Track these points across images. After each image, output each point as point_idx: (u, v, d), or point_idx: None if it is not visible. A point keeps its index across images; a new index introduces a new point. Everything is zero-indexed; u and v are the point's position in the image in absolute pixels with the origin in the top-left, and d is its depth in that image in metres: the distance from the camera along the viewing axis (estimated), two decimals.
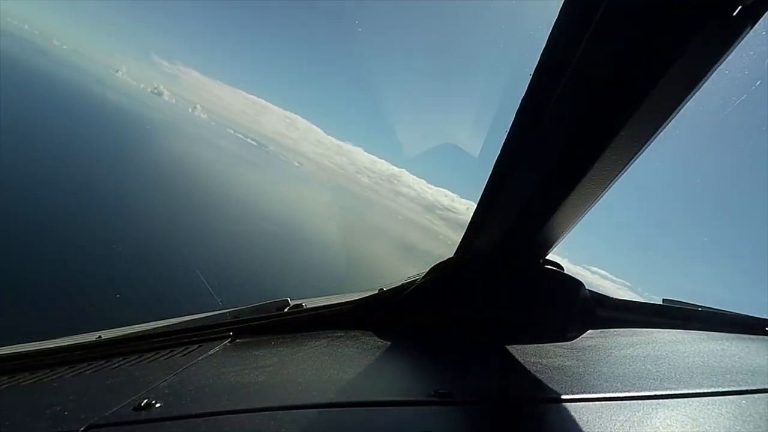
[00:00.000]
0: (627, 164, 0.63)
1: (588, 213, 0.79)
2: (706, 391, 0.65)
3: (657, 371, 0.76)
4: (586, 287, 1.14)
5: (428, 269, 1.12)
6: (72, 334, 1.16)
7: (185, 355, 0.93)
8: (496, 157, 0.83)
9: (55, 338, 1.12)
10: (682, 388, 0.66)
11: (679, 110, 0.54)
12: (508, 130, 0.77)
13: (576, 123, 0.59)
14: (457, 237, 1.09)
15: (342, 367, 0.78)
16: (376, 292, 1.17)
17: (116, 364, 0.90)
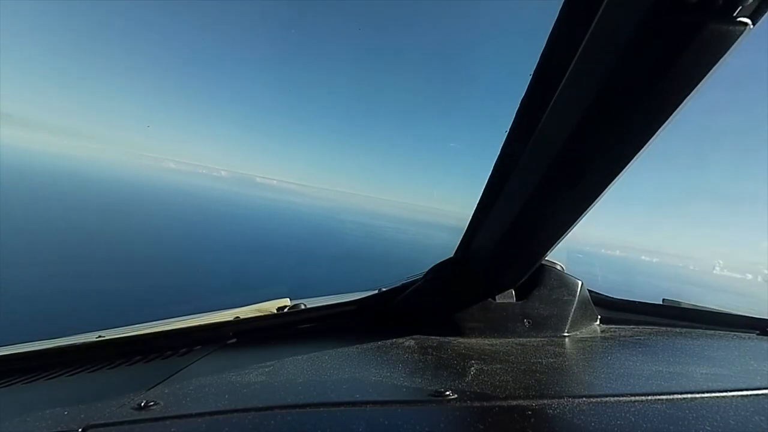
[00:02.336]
0: (627, 164, 0.63)
1: (588, 213, 0.79)
2: (705, 391, 0.65)
3: (657, 371, 0.76)
4: (586, 287, 1.14)
5: (428, 269, 1.12)
6: (72, 334, 1.16)
7: (185, 355, 0.93)
8: (496, 157, 0.83)
9: (55, 338, 1.12)
10: (681, 388, 0.66)
11: (679, 110, 0.54)
12: (508, 130, 0.77)
13: (576, 123, 0.59)
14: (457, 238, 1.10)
15: (342, 367, 0.78)
16: (376, 292, 1.17)
17: (116, 364, 0.90)
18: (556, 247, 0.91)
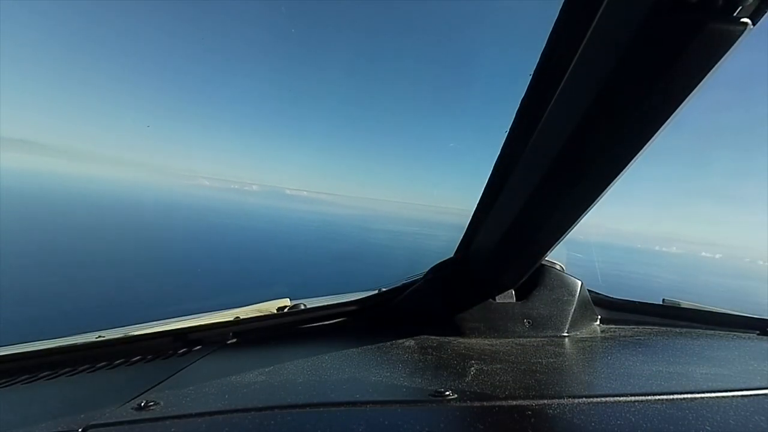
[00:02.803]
0: (628, 164, 0.63)
1: (588, 213, 0.79)
2: (705, 391, 0.65)
3: (657, 371, 0.76)
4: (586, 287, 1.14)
5: (428, 269, 1.12)
6: (72, 334, 1.16)
7: (185, 355, 0.93)
8: (496, 157, 0.83)
9: (55, 338, 1.12)
10: (681, 388, 0.66)
11: (679, 110, 0.54)
12: (508, 130, 0.77)
13: (576, 123, 0.59)
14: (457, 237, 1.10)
15: (342, 367, 0.78)
16: (376, 292, 1.17)
17: (116, 364, 0.90)
18: (556, 247, 0.91)
